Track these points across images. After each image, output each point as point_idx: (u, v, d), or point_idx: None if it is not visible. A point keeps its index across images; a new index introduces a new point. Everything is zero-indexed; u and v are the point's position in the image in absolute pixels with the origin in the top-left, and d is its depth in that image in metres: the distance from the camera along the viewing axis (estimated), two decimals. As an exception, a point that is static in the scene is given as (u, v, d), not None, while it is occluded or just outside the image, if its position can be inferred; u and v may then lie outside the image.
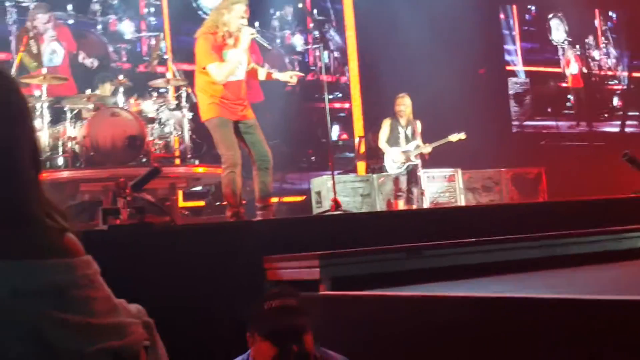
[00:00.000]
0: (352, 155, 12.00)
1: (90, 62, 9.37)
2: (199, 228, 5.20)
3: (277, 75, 6.34)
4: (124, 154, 7.33)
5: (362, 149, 11.53)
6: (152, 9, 10.92)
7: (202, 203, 10.10)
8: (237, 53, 5.72)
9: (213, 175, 7.68)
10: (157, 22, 10.91)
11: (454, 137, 9.21)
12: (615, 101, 14.71)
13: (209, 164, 7.72)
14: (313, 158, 12.00)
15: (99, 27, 10.41)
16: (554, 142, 13.66)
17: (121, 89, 7.73)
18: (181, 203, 9.02)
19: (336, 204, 6.24)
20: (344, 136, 12.24)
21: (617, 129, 14.55)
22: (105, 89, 8.01)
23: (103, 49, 10.38)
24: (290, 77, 6.25)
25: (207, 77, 5.82)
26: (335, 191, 6.48)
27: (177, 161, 7.86)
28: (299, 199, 10.89)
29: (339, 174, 9.73)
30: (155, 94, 7.97)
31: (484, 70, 13.31)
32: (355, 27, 12.59)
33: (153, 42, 9.49)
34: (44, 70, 7.45)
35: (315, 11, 12.43)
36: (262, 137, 6.02)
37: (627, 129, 14.58)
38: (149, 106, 7.73)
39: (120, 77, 7.80)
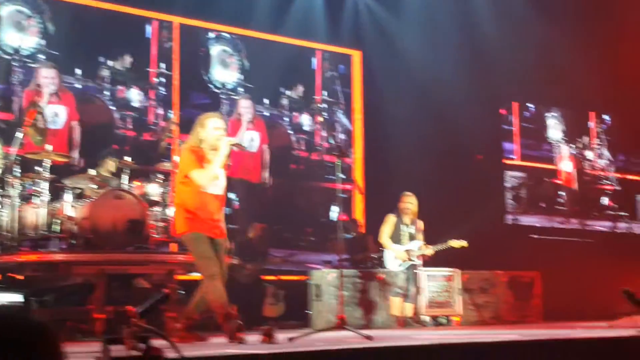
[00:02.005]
0: (350, 236, 11.38)
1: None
2: None
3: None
4: (123, 238, 6.67)
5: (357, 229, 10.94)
6: (163, 79, 10.35)
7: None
8: (219, 161, 5.50)
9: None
10: (166, 93, 10.35)
11: (456, 244, 8.64)
12: (606, 201, 14.26)
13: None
14: (312, 237, 11.35)
15: (106, 92, 9.83)
16: (546, 237, 13.15)
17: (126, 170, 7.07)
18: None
19: (342, 321, 5.57)
20: (344, 217, 11.62)
21: (606, 229, 14.06)
22: (109, 166, 7.36)
23: (108, 115, 9.80)
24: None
25: (187, 188, 5.50)
26: (342, 306, 5.76)
27: (176, 247, 7.19)
28: (297, 278, 10.14)
29: (336, 265, 9.05)
30: (160, 176, 7.30)
31: (482, 156, 12.89)
32: (363, 111, 12.15)
33: (163, 123, 8.89)
34: (49, 147, 6.78)
35: (325, 93, 11.92)
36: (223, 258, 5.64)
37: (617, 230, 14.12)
38: (153, 189, 7.07)
39: (127, 158, 7.12)
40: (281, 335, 5.17)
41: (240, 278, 9.19)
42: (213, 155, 5.52)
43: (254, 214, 10.50)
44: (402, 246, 8.54)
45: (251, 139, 10.95)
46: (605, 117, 14.57)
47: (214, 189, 5.55)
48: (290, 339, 5.22)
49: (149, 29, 10.35)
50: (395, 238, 8.60)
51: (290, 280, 9.79)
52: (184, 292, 8.46)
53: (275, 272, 9.66)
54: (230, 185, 10.57)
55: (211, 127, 5.58)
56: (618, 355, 4.59)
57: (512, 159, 13.30)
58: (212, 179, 5.49)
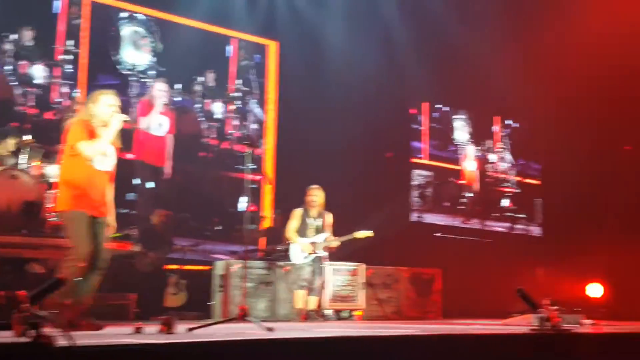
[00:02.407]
0: (255, 227, 11.30)
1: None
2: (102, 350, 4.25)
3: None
4: (17, 220, 6.37)
5: (267, 224, 10.87)
6: (70, 57, 9.93)
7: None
8: (108, 136, 5.45)
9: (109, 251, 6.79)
10: (73, 71, 9.93)
11: (361, 234, 8.62)
12: (506, 203, 14.71)
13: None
14: (218, 227, 11.16)
15: (7, 67, 9.35)
16: (448, 235, 13.45)
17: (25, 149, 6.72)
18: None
19: (243, 312, 5.47)
20: (252, 208, 11.49)
21: (505, 229, 14.51)
22: (7, 145, 6.99)
23: (7, 91, 9.32)
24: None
25: (74, 161, 5.39)
26: (245, 297, 5.66)
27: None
28: (201, 267, 9.93)
29: (241, 255, 8.94)
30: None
31: (391, 154, 13.05)
32: (276, 102, 12.06)
33: (68, 102, 8.50)
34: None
35: (238, 81, 11.75)
36: (105, 237, 5.55)
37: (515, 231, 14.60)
38: (52, 170, 6.75)
39: (27, 137, 6.77)
40: (181, 326, 5.03)
41: (141, 266, 8.96)
42: (103, 130, 5.46)
43: (159, 200, 10.25)
44: (307, 239, 8.50)
45: (160, 123, 10.67)
46: (509, 122, 15.03)
47: (102, 165, 5.47)
48: (190, 330, 5.09)
49: (57, 4, 9.91)
50: (302, 231, 8.55)
51: (194, 270, 9.60)
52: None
53: (179, 262, 9.45)
54: (135, 169, 10.38)
55: (103, 103, 5.53)
56: (511, 351, 4.70)
57: (420, 157, 13.51)
58: (100, 154, 5.42)
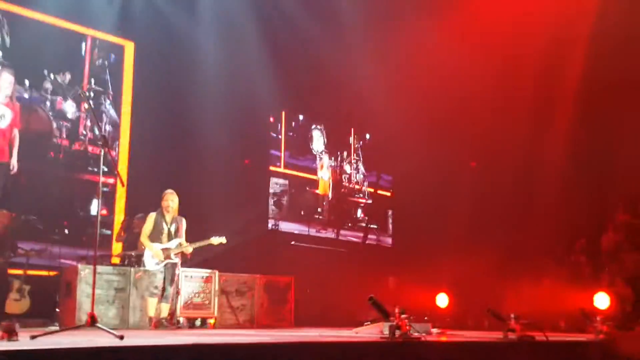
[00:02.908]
0: (109, 232, 10.90)
1: None
2: None
3: None
4: None
5: (121, 231, 10.52)
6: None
7: None
8: None
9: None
10: None
11: (215, 240, 8.51)
12: (359, 213, 15.10)
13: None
14: (67, 231, 10.66)
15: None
16: (303, 244, 13.61)
17: None
18: None
19: (92, 319, 5.24)
20: (104, 211, 11.06)
21: (358, 240, 14.89)
22: None
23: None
24: None
25: None
26: (93, 304, 5.43)
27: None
28: (47, 273, 9.45)
29: (91, 260, 8.61)
30: None
31: (249, 160, 13.04)
32: (132, 104, 11.71)
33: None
34: None
35: (92, 81, 11.32)
36: None
37: (368, 241, 15.01)
38: None
39: None
40: (24, 333, 4.75)
41: (-19, 271, 8.41)
42: None
43: (2, 200, 9.66)
44: (159, 244, 8.28)
45: (2, 114, 10.06)
46: (366, 134, 15.49)
47: None
48: (33, 337, 4.81)
49: None
50: (156, 236, 8.32)
51: (39, 276, 9.12)
52: None
53: (23, 266, 8.93)
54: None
55: None
56: (362, 358, 4.80)
57: (277, 166, 13.60)
58: None
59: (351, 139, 15.27)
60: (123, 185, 10.66)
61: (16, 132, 10.20)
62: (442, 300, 11.03)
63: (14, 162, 10.10)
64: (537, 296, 9.49)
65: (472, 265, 10.46)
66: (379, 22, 12.80)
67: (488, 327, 9.64)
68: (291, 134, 14.03)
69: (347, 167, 15.04)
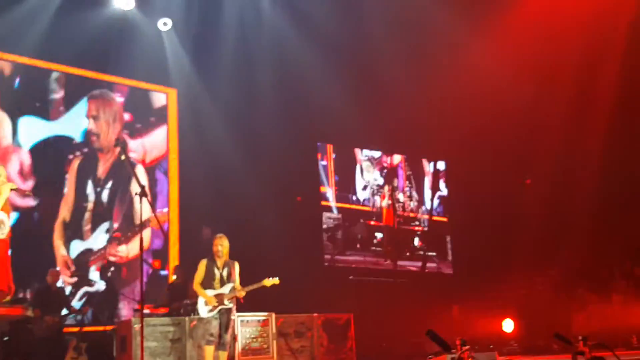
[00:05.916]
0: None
1: None
2: None
3: None
4: None
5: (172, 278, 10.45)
6: None
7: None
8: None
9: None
10: None
11: (268, 282, 8.28)
12: (416, 241, 14.75)
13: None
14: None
15: None
16: (361, 278, 13.31)
17: None
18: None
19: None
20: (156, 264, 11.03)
21: (417, 269, 14.53)
22: None
23: None
24: None
25: None
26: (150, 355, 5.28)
27: None
28: (102, 328, 9.36)
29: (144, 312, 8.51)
30: None
31: (300, 197, 12.88)
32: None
33: None
34: None
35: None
36: None
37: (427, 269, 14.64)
38: None
39: None
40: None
41: (38, 331, 8.36)
42: None
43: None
44: (212, 291, 8.11)
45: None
46: (427, 162, 15.20)
47: None
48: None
49: None
50: (208, 282, 8.13)
51: (95, 331, 9.05)
52: None
53: (77, 324, 8.88)
54: None
55: None
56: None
57: (327, 200, 13.40)
58: None
59: (402, 166, 14.98)
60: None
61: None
62: (508, 325, 10.60)
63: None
64: (607, 314, 9.07)
65: (538, 287, 10.05)
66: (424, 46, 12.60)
67: (558, 350, 9.19)
68: (339, 166, 13.83)
69: (400, 196, 14.74)
